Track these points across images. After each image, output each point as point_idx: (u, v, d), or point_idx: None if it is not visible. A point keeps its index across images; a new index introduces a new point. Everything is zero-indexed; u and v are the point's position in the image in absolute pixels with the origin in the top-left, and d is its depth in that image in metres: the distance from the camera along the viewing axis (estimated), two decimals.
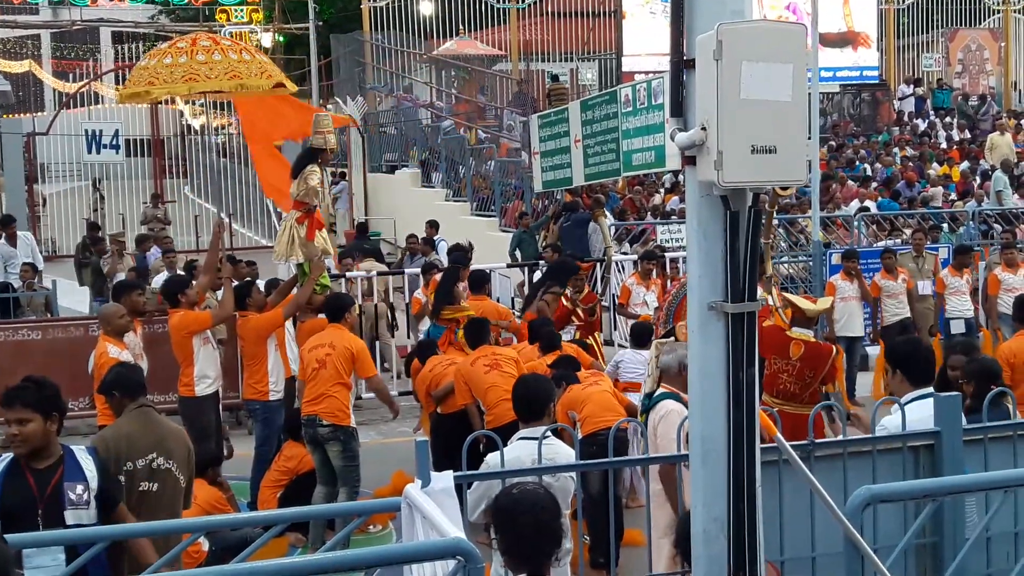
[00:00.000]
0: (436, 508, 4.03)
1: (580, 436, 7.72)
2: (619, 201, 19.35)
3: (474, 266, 15.77)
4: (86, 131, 23.05)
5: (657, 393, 6.44)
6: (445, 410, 9.84)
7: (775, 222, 17.67)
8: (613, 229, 17.10)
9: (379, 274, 15.24)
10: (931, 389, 5.55)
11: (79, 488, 5.20)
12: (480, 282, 12.29)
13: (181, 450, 6.12)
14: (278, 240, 10.65)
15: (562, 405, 7.97)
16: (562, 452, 5.73)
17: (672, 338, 7.06)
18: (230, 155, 30.18)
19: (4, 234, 16.37)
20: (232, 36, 28.98)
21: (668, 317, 7.62)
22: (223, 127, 32.00)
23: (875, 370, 13.60)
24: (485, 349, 9.45)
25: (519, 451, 5.60)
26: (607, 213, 16.89)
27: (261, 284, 11.37)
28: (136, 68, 9.92)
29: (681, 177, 19.31)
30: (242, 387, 10.32)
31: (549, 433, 5.51)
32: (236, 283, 10.47)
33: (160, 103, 27.26)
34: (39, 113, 33.74)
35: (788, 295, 9.17)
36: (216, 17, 30.46)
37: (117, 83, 31.84)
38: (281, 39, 38.37)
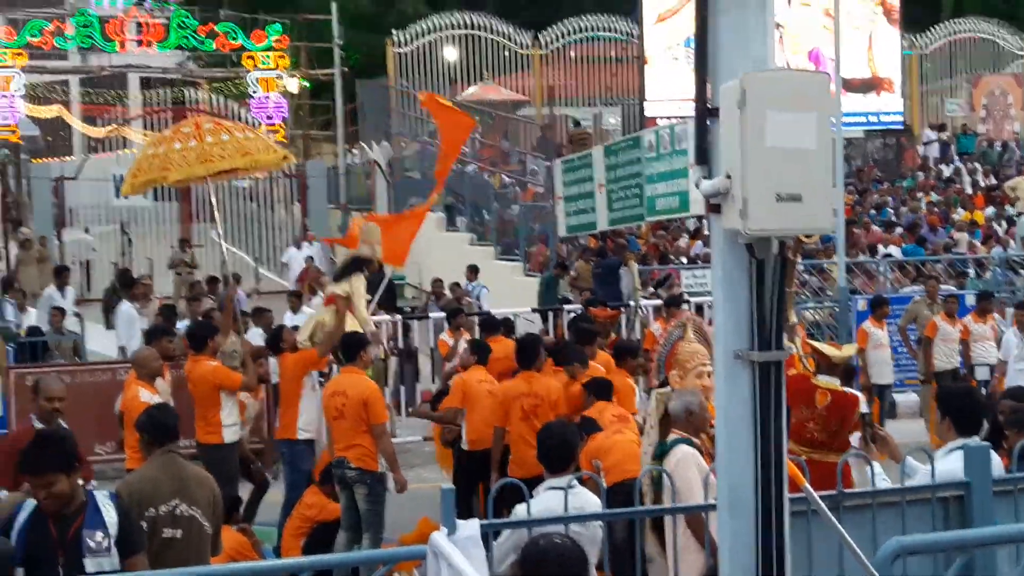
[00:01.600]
0: (462, 556, 4.00)
1: (605, 486, 7.67)
2: (638, 247, 19.36)
3: (499, 311, 15.84)
4: (114, 175, 23.27)
5: (670, 439, 6.38)
6: (472, 447, 9.79)
7: (800, 267, 17.67)
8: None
9: (405, 318, 15.26)
10: (976, 439, 5.50)
11: (99, 535, 5.19)
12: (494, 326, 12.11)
13: (206, 497, 6.07)
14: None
15: (586, 454, 7.92)
16: (590, 501, 5.67)
17: (668, 388, 7.01)
18: (256, 199, 30.37)
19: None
20: (259, 82, 29.33)
21: (660, 367, 7.52)
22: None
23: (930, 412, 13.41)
24: (531, 382, 9.31)
25: (547, 502, 5.53)
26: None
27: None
28: (142, 157, 9.99)
29: (704, 222, 19.30)
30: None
31: (575, 482, 5.46)
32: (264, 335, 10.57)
33: None
34: (68, 158, 34.11)
35: (814, 342, 9.07)
36: (243, 63, 30.69)
37: (145, 128, 32.20)
38: (307, 85, 38.72)
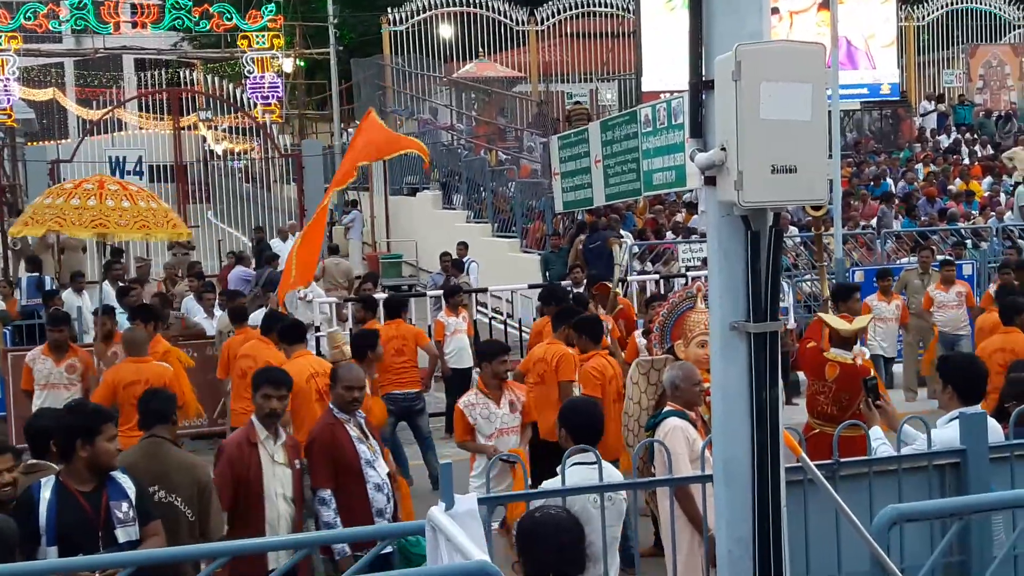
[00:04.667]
0: (460, 531, 4.02)
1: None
2: (634, 222, 19.33)
3: (496, 287, 15.83)
4: (110, 158, 23.19)
5: (663, 411, 6.41)
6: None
7: (797, 240, 17.69)
8: (635, 248, 17.09)
9: (404, 296, 15.25)
10: (979, 407, 5.53)
11: (124, 506, 5.27)
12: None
13: (188, 485, 5.99)
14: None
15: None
16: (615, 477, 5.65)
17: (669, 356, 7.04)
18: (252, 180, 30.33)
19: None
20: (254, 62, 29.23)
21: (664, 336, 7.51)
22: (245, 152, 32.20)
23: None
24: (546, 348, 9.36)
25: (576, 476, 5.45)
26: (622, 234, 16.83)
27: None
28: (39, 205, 9.96)
29: (694, 194, 19.28)
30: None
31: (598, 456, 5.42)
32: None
33: (184, 128, 27.53)
34: (63, 140, 34.01)
35: (823, 315, 9.06)
36: (238, 43, 30.58)
37: (140, 110, 32.11)
38: (302, 64, 38.61)
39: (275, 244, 21.25)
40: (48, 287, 15.92)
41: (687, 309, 7.36)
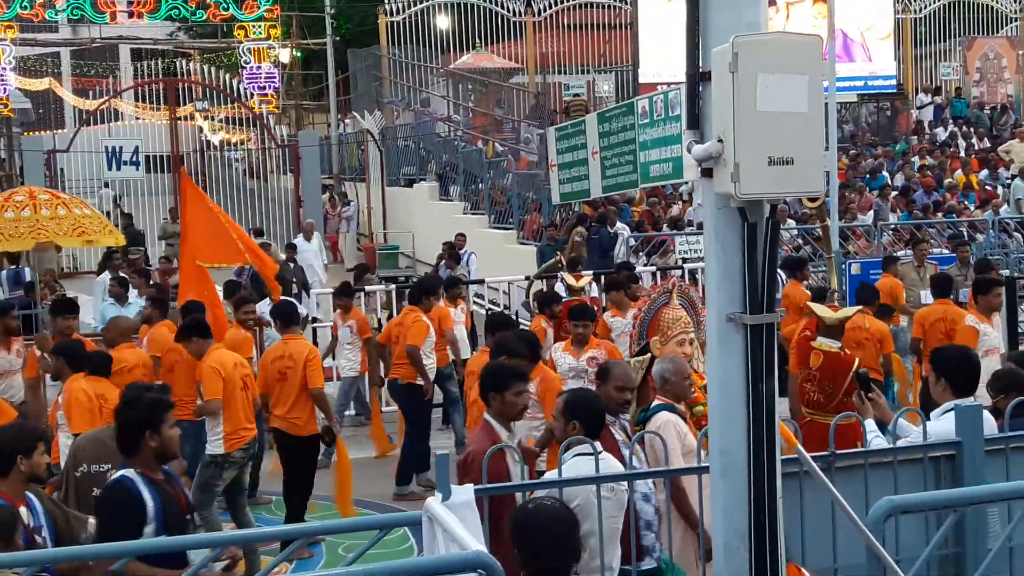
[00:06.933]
0: (457, 521, 4.03)
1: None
2: (631, 213, 19.30)
3: (492, 279, 15.81)
4: (106, 148, 23.20)
5: (653, 405, 6.41)
6: None
7: (795, 232, 17.70)
8: (631, 240, 17.10)
9: (399, 287, 15.26)
10: (972, 399, 5.53)
11: (186, 489, 5.53)
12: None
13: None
14: None
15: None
16: (616, 468, 5.62)
17: (648, 355, 7.04)
18: (249, 170, 30.30)
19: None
20: (251, 52, 29.17)
21: (641, 333, 7.47)
22: (242, 142, 32.15)
23: None
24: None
25: (579, 467, 5.36)
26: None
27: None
28: None
29: (691, 186, 19.27)
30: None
31: (601, 448, 5.37)
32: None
33: (180, 119, 27.49)
34: (59, 130, 33.96)
35: (810, 304, 9.15)
36: (234, 33, 30.50)
37: (137, 100, 32.06)
38: (299, 55, 38.55)
39: (299, 242, 21.08)
40: (28, 279, 15.89)
41: (662, 305, 7.32)
